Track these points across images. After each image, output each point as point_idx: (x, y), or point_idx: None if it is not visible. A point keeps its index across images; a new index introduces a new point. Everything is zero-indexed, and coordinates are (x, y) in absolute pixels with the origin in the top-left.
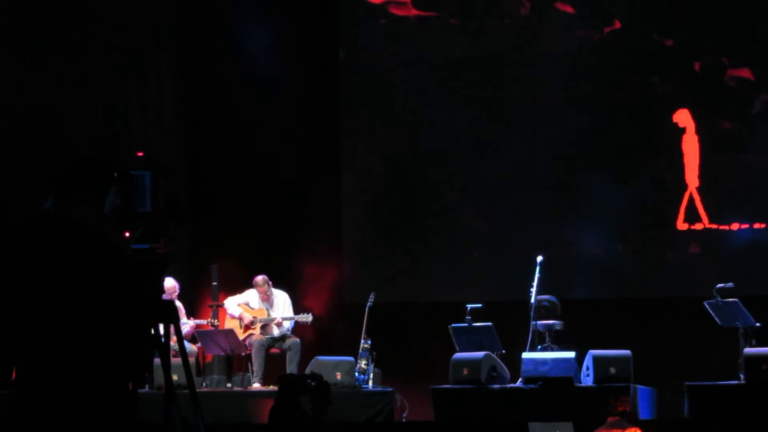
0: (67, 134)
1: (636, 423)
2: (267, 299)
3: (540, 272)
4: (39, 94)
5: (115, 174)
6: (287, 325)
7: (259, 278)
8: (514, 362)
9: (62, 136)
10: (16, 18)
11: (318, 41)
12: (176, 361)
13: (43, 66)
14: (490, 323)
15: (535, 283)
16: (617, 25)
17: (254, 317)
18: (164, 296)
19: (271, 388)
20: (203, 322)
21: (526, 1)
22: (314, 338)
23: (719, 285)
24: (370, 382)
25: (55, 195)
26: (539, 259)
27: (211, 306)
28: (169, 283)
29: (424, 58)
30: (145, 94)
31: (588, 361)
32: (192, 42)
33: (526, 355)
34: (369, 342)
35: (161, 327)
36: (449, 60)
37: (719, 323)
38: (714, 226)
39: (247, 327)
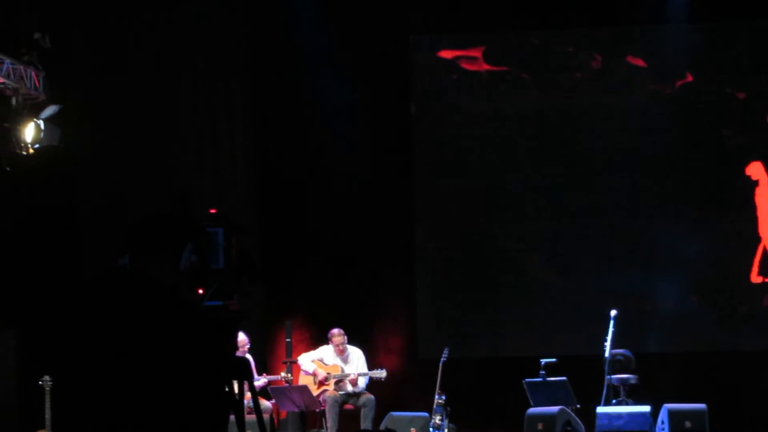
0: (142, 190)
1: None
2: (342, 353)
3: (614, 326)
4: (114, 150)
5: (191, 231)
6: (362, 382)
7: (336, 330)
8: (588, 417)
9: (137, 193)
10: (92, 78)
11: (390, 95)
12: (251, 417)
13: (118, 123)
14: (564, 378)
15: (609, 337)
16: (689, 78)
17: (328, 373)
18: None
19: None
20: (276, 377)
21: (598, 54)
22: (388, 394)
23: None
24: None
25: (131, 252)
26: (613, 313)
27: (285, 362)
28: (240, 337)
29: (496, 113)
30: (218, 150)
31: (663, 415)
32: (265, 97)
33: (600, 409)
34: (443, 397)
35: (235, 384)
36: (521, 114)
37: None
38: None
39: (321, 383)
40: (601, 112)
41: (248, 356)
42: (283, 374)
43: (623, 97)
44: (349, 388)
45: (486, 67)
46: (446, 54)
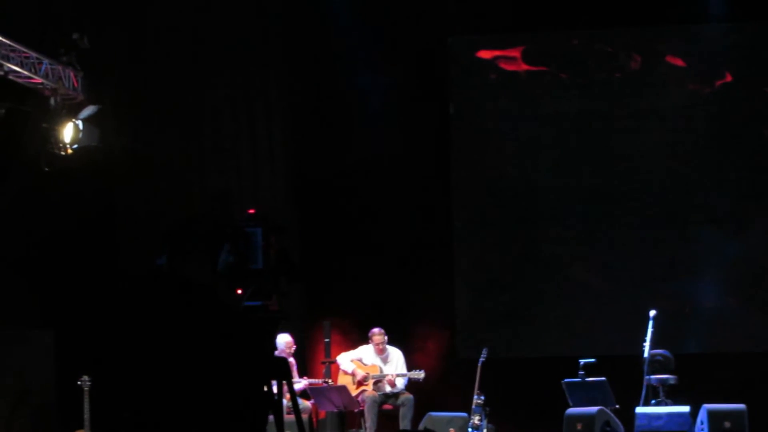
0: (180, 191)
1: None
2: (382, 353)
3: (653, 326)
4: (152, 150)
5: (229, 232)
6: (400, 383)
7: (376, 330)
8: (628, 417)
9: (176, 193)
10: (131, 78)
11: (428, 95)
12: (289, 418)
13: (156, 123)
14: (603, 378)
15: (648, 338)
16: (729, 78)
17: (367, 373)
18: (280, 352)
19: None
20: (317, 381)
21: (637, 54)
22: (427, 394)
23: None
24: None
25: (169, 252)
26: (652, 313)
27: (324, 363)
28: (286, 338)
29: (534, 113)
30: (256, 150)
31: (702, 415)
32: (302, 97)
33: (640, 409)
34: (482, 397)
35: (274, 384)
36: (559, 114)
37: None
38: None
39: (360, 383)
40: (639, 112)
41: (292, 359)
42: (323, 380)
43: (662, 97)
44: (388, 388)
45: (524, 67)
46: (485, 54)
